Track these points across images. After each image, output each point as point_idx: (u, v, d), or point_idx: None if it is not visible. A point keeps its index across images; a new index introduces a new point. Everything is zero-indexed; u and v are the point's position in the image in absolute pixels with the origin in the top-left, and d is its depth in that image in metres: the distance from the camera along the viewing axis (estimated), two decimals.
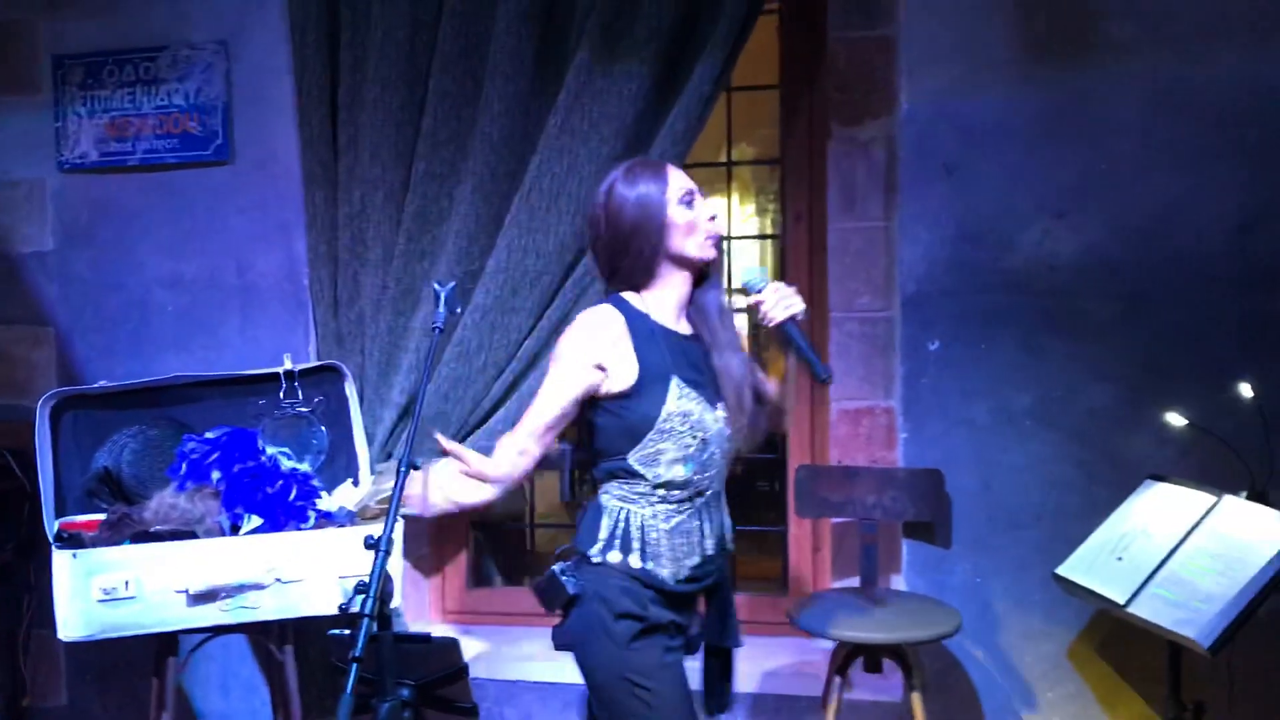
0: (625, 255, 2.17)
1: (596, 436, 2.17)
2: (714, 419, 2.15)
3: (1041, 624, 2.94)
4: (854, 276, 3.09)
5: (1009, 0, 2.90)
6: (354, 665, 1.86)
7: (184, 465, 2.81)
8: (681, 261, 2.18)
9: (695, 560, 2.16)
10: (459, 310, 2.61)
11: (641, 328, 2.14)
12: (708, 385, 2.16)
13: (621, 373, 2.11)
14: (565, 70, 2.93)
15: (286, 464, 2.86)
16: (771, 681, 3.09)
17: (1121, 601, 2.44)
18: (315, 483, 2.85)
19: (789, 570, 3.32)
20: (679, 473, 2.12)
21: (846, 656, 2.74)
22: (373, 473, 2.98)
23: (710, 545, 2.18)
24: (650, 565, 2.12)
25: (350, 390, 2.96)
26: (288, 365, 2.95)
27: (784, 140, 3.32)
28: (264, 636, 2.86)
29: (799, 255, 3.27)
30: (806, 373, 2.14)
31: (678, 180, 2.21)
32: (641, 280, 2.18)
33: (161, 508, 2.69)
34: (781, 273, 3.34)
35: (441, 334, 2.35)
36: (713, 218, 2.20)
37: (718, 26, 2.86)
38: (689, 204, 2.18)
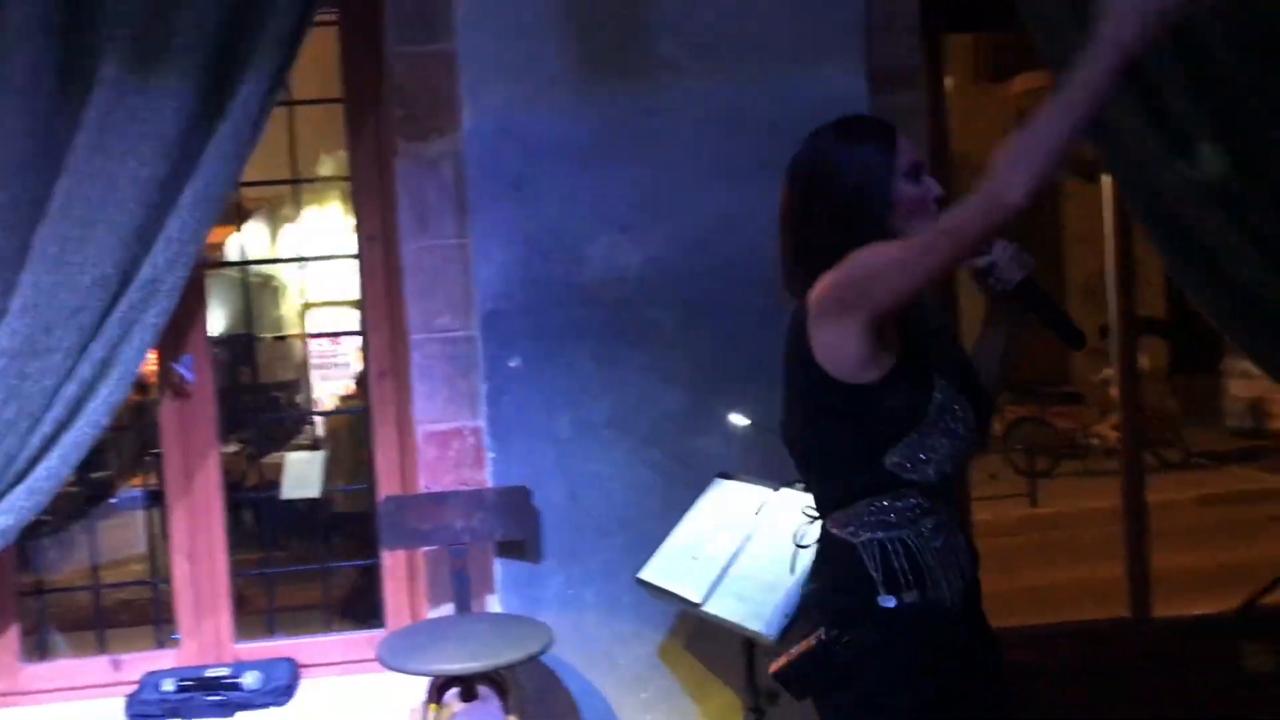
0: (829, 233, 1.78)
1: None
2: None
3: (632, 626, 3.01)
4: (432, 296, 3.03)
5: (566, 18, 2.94)
6: None
7: None
8: None
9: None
10: None
11: None
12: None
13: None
14: (93, 86, 2.65)
15: None
16: None
17: (698, 601, 2.53)
18: None
19: (384, 603, 3.21)
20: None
21: (441, 689, 2.67)
22: None
23: None
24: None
25: None
26: None
27: (352, 157, 3.20)
28: None
29: (375, 275, 3.16)
30: (1056, 339, 1.85)
31: (907, 148, 1.83)
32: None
33: None
34: (360, 293, 3.21)
35: None
36: (938, 198, 1.83)
37: (265, 40, 2.70)
38: (917, 178, 1.82)
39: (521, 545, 2.99)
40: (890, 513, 1.80)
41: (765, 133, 2.99)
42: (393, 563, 3.18)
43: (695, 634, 3.01)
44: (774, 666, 1.91)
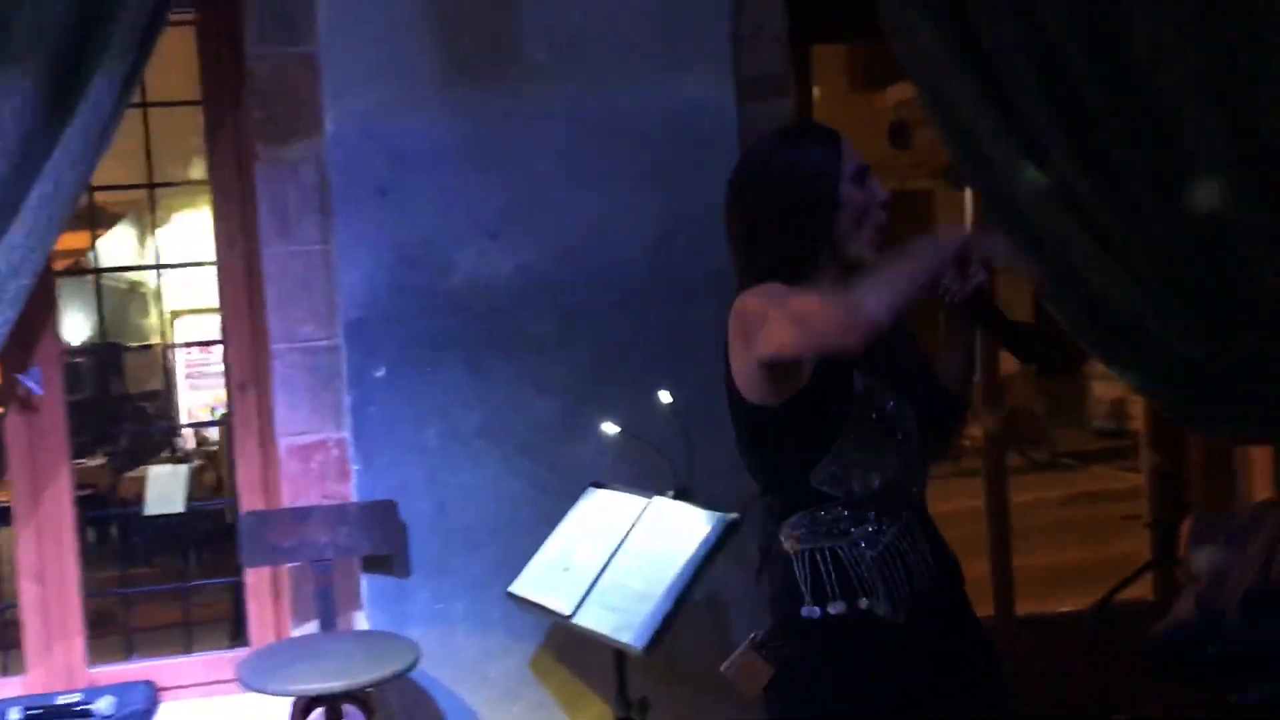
0: (778, 238, 1.80)
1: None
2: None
3: (503, 640, 2.97)
4: (295, 304, 2.95)
5: (431, 22, 2.88)
6: None
7: None
8: (837, 254, 1.83)
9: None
10: None
11: None
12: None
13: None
14: None
15: None
16: None
17: (567, 613, 2.50)
18: None
19: (248, 622, 3.10)
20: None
21: (305, 709, 2.59)
22: None
23: None
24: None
25: None
26: None
27: (211, 160, 3.09)
28: None
29: (235, 282, 3.06)
30: (1008, 350, 1.87)
31: (851, 152, 1.84)
32: (790, 272, 1.80)
33: None
34: (220, 301, 3.10)
35: None
36: (884, 203, 1.85)
37: (115, 40, 2.59)
38: (862, 182, 1.83)
39: (388, 560, 2.92)
40: (820, 525, 1.83)
41: (636, 139, 3.00)
42: (256, 580, 3.07)
43: (567, 646, 2.98)
44: (724, 666, 1.93)
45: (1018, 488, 3.65)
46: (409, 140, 2.88)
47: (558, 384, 2.97)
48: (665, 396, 2.81)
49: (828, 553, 1.82)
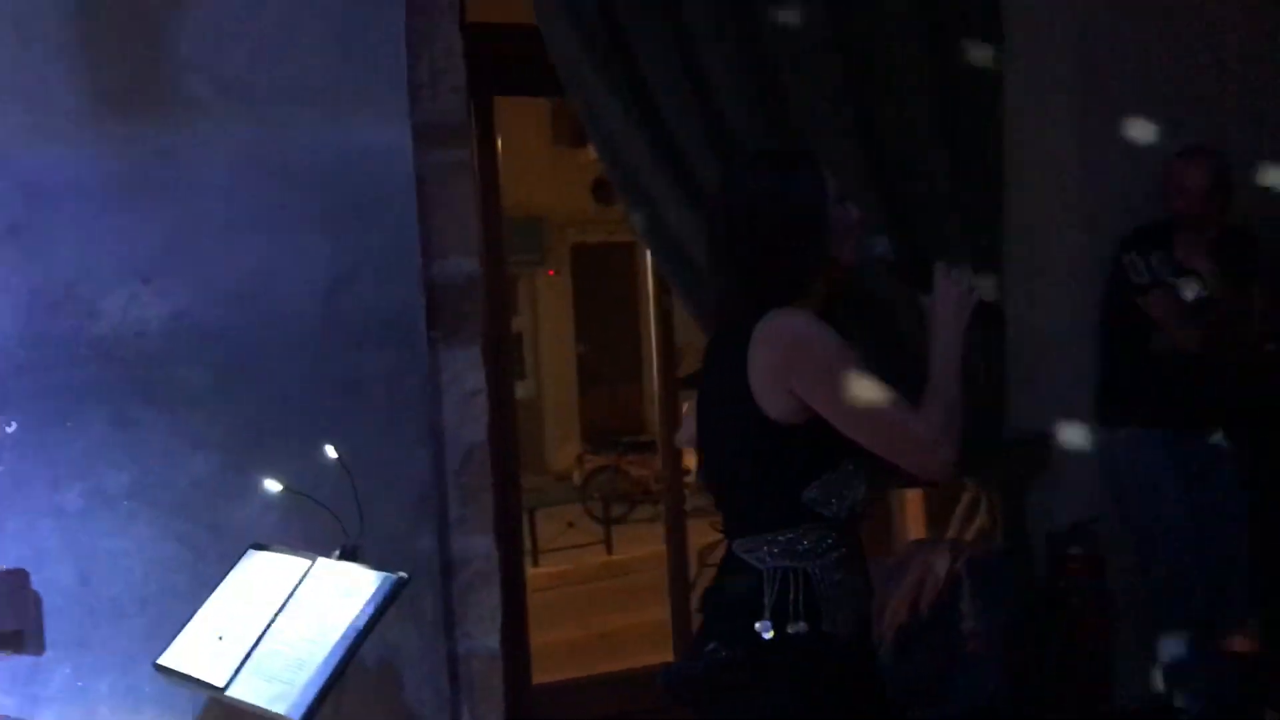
0: (776, 259, 1.88)
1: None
2: None
3: (155, 717, 2.74)
4: None
5: (71, 48, 2.67)
6: None
7: None
8: (827, 273, 1.93)
9: None
10: None
11: None
12: None
13: None
14: None
15: None
16: None
17: (221, 685, 2.34)
18: None
19: None
20: None
21: None
22: None
23: None
24: None
25: None
26: None
27: None
28: None
29: None
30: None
31: (828, 175, 1.96)
32: (786, 294, 1.89)
33: None
34: None
35: None
36: (860, 221, 1.98)
37: None
38: (841, 201, 1.95)
39: (19, 636, 2.63)
40: (800, 543, 1.87)
41: (308, 181, 2.89)
42: None
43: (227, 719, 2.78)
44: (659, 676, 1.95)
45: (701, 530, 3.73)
46: (46, 173, 2.65)
47: (217, 438, 2.79)
48: (332, 451, 2.69)
49: (800, 574, 1.87)
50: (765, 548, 1.89)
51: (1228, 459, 3.57)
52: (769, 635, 1.85)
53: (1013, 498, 3.48)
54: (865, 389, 1.83)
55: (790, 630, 1.85)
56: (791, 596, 1.86)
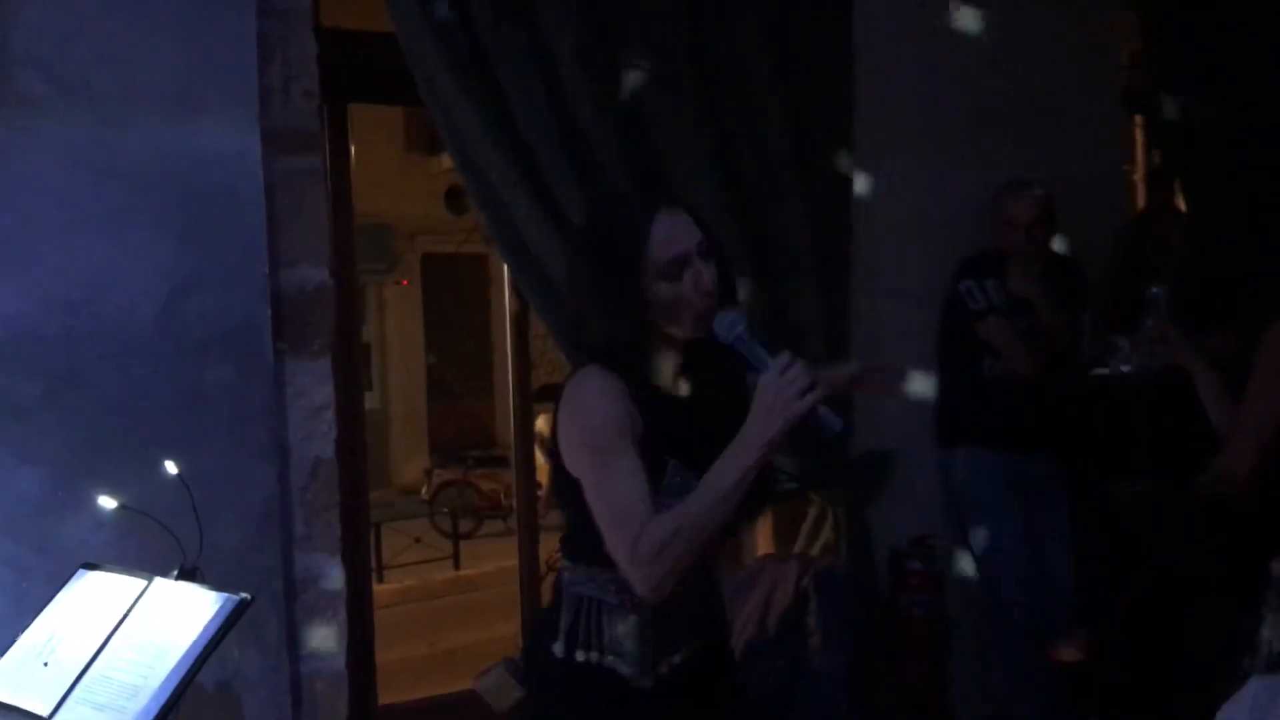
0: (587, 316, 1.83)
1: None
2: None
3: None
4: None
5: None
6: None
7: None
8: (668, 341, 1.85)
9: None
10: None
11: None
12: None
13: None
14: None
15: None
16: None
17: (44, 715, 2.21)
18: None
19: None
20: None
21: None
22: None
23: None
24: None
25: None
26: None
27: None
28: None
29: None
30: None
31: (666, 240, 1.79)
32: (598, 352, 1.84)
33: None
34: None
35: None
36: (709, 292, 1.79)
37: None
38: (678, 274, 1.78)
39: None
40: (612, 583, 1.85)
41: (150, 185, 2.77)
42: None
43: None
44: (475, 678, 2.12)
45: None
46: None
47: (47, 453, 2.64)
48: (171, 466, 2.59)
49: (598, 604, 1.89)
50: (577, 575, 1.94)
51: (1056, 478, 3.75)
52: (558, 656, 1.91)
53: (857, 514, 3.57)
54: (607, 475, 1.78)
55: (579, 658, 1.89)
56: (585, 623, 1.90)
